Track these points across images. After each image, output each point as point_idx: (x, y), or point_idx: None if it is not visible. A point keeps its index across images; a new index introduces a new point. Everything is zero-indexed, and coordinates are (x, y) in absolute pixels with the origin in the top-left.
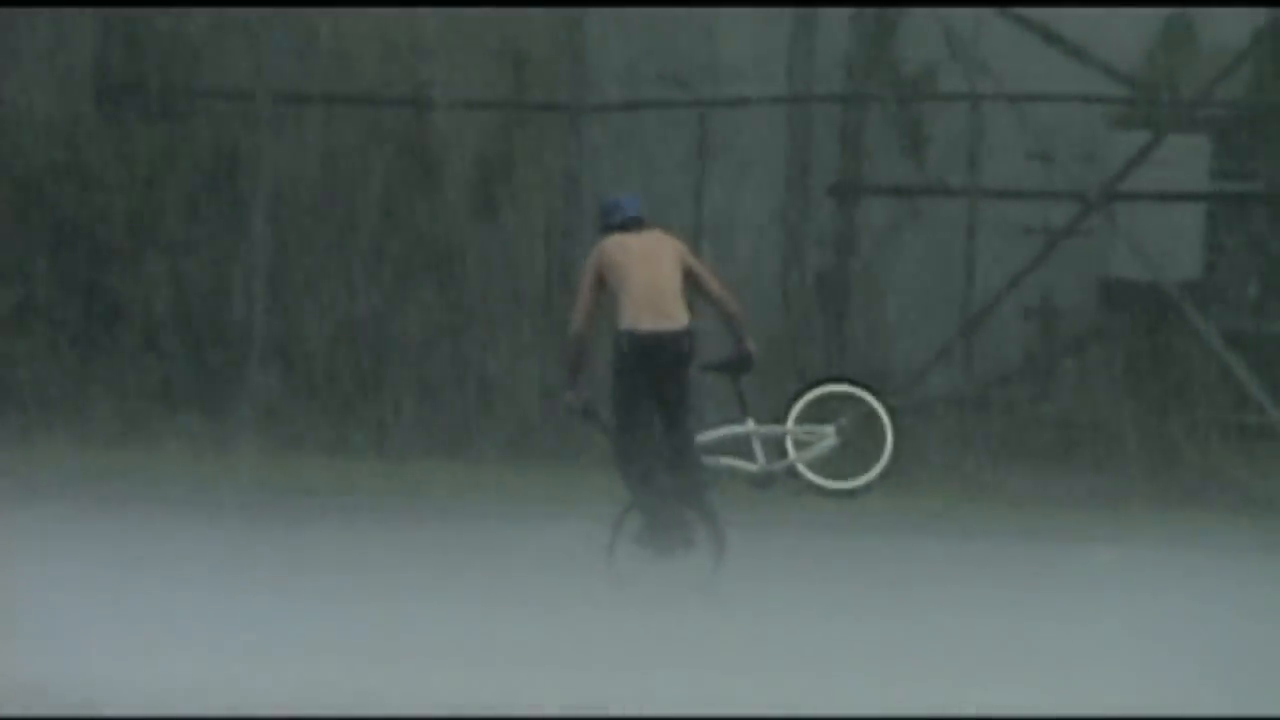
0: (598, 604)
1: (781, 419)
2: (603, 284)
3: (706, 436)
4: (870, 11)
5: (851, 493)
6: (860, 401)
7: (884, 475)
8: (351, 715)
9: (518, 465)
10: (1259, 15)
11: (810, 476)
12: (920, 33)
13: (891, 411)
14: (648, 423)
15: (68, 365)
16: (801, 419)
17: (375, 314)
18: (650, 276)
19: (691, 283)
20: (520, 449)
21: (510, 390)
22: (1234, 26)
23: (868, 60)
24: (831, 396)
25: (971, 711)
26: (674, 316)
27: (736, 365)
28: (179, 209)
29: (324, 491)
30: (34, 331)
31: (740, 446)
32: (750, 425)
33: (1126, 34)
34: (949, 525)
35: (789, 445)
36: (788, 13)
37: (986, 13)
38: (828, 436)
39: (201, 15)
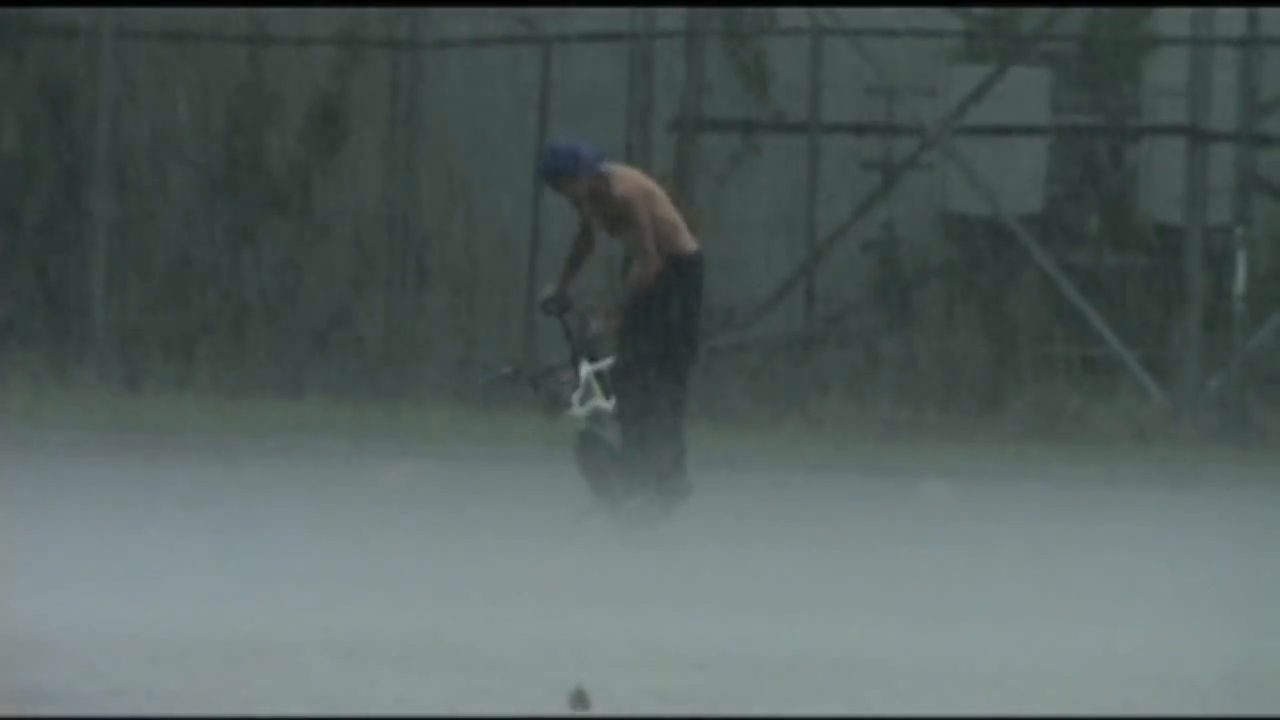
0: (434, 539)
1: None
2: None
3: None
4: None
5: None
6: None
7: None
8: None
9: (358, 402)
10: None
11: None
12: None
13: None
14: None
15: None
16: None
17: (219, 251)
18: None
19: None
20: (361, 386)
21: (353, 327)
22: None
23: None
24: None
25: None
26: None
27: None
28: (17, 144)
29: (165, 429)
30: None
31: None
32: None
33: None
34: (790, 460)
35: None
36: None
37: None
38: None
39: None
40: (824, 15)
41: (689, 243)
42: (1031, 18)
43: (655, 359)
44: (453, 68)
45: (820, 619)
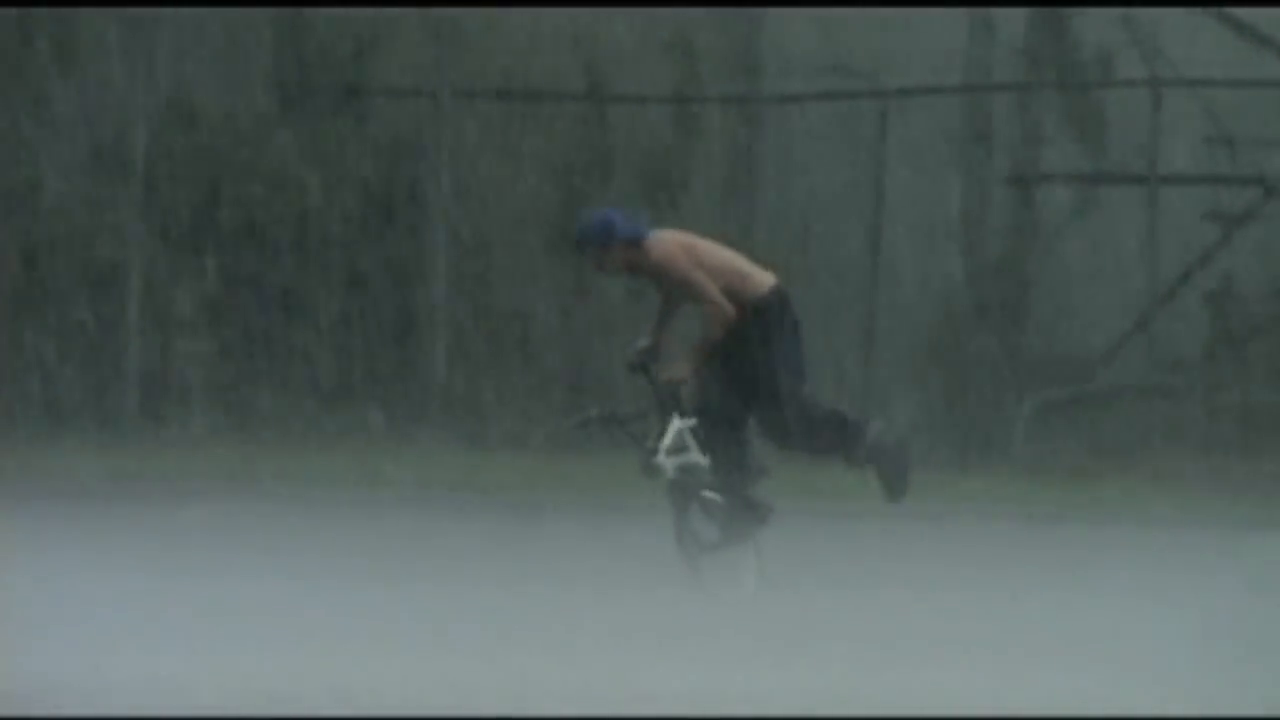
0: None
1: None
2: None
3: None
4: None
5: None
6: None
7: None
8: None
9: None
10: None
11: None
12: (1097, 18)
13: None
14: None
15: (247, 365)
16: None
17: (554, 306)
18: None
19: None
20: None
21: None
22: None
23: (1044, 47)
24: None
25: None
26: None
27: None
28: (358, 205)
29: (504, 487)
30: (215, 331)
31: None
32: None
33: None
34: (1129, 513)
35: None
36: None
37: None
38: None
39: (380, 10)
40: (1163, 65)
41: (761, 283)
42: None
43: (741, 408)
44: (789, 123)
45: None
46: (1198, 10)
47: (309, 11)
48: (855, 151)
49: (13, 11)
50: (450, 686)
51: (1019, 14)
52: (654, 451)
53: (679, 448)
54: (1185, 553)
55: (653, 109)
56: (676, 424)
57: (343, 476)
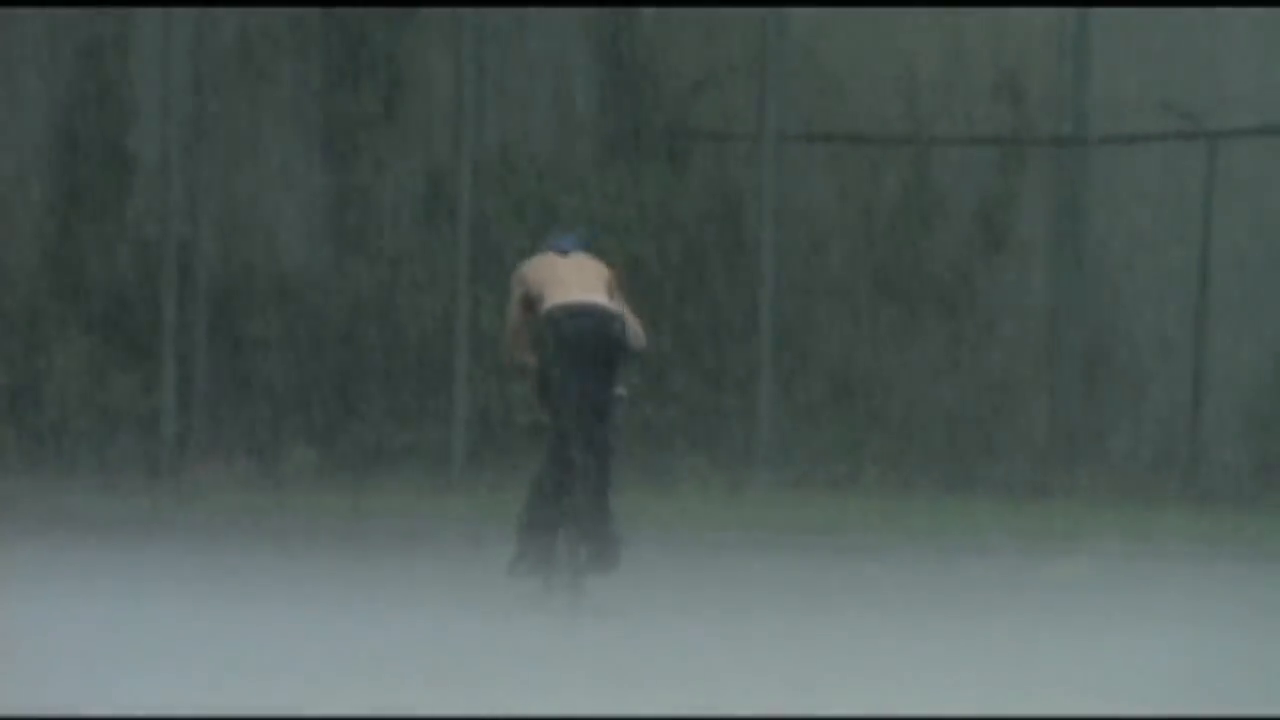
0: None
1: None
2: (529, 304)
3: None
4: None
5: None
6: None
7: None
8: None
9: (1014, 500)
10: None
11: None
12: None
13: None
14: (577, 417)
15: None
16: None
17: (880, 350)
18: (577, 276)
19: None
20: (1009, 483)
21: (1015, 424)
22: None
23: None
24: None
25: None
26: (603, 300)
27: None
28: (683, 249)
29: (831, 529)
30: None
31: None
32: None
33: None
34: None
35: None
36: None
37: None
38: None
39: (702, 55)
40: None
41: (568, 295)
42: None
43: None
44: (1116, 164)
45: None
46: None
47: (633, 57)
48: (1182, 192)
49: (344, 62)
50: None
51: None
52: None
53: None
54: None
55: (978, 151)
56: None
57: (669, 520)
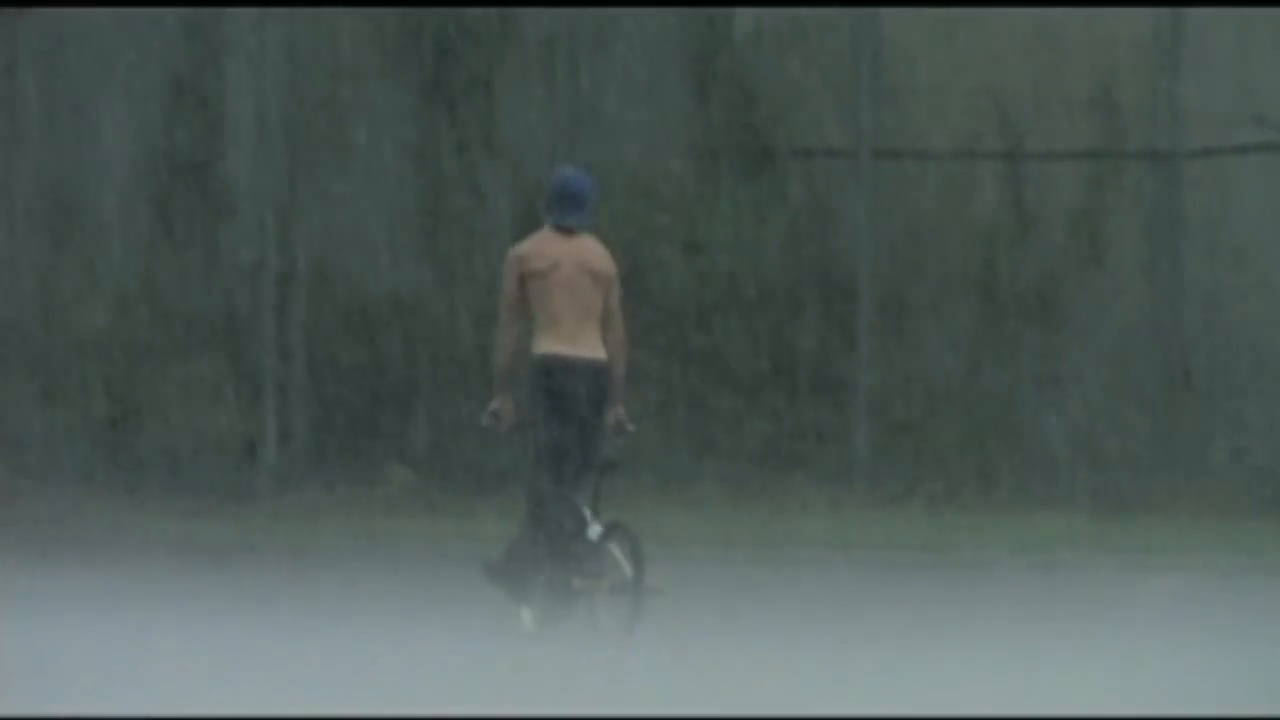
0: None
1: None
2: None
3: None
4: None
5: None
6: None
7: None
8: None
9: (1111, 515)
10: None
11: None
12: None
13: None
14: (556, 476)
15: (674, 428)
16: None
17: (975, 366)
18: (573, 300)
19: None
20: (1107, 498)
21: (1111, 438)
22: None
23: None
24: None
25: None
26: (596, 345)
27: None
28: (778, 267)
29: (934, 547)
30: (644, 395)
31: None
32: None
33: None
34: None
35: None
36: None
37: None
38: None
39: (794, 72)
40: None
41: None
42: None
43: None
44: (1211, 177)
45: None
46: None
47: (726, 75)
48: (1278, 205)
49: (438, 85)
50: None
51: None
52: None
53: None
54: None
55: (1072, 165)
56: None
57: (768, 538)
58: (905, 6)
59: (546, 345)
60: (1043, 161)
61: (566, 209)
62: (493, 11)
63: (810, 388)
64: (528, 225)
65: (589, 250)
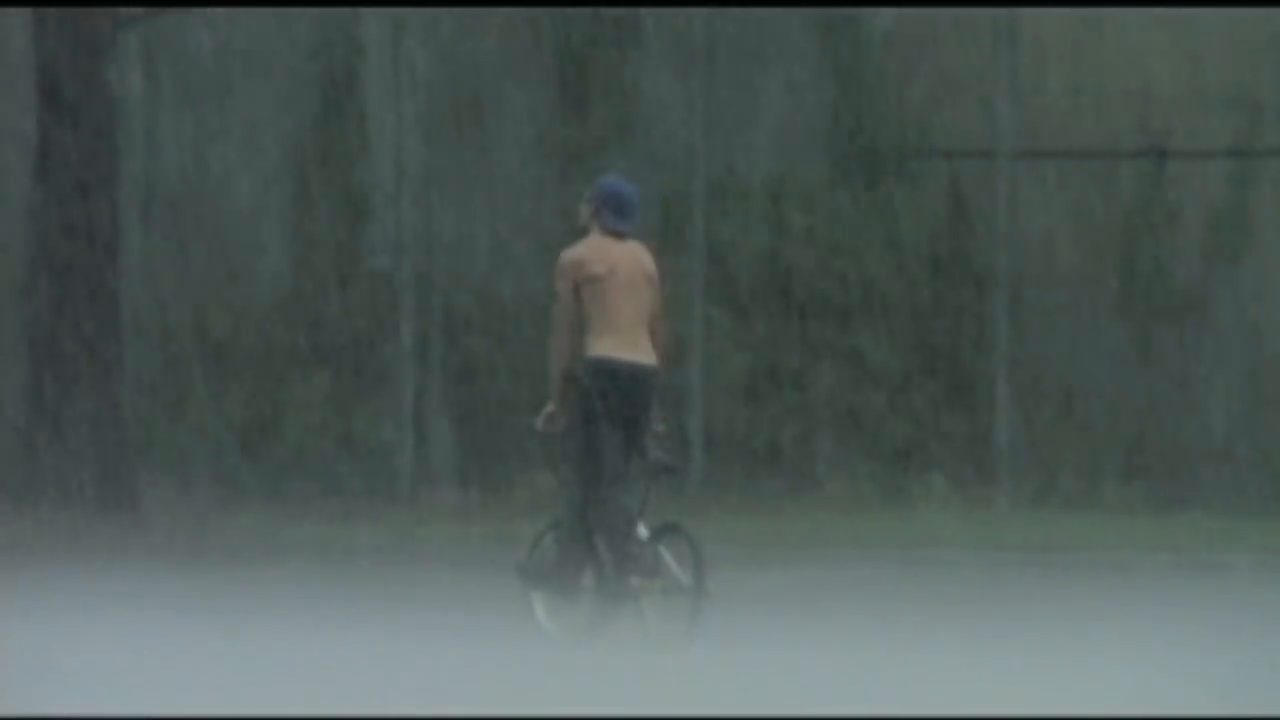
0: None
1: None
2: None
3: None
4: None
5: None
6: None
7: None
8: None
9: (1252, 517)
10: None
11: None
12: None
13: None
14: (595, 483)
15: (816, 429)
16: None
17: (1115, 366)
18: (629, 302)
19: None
20: (1248, 498)
21: (1253, 439)
22: None
23: None
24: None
25: None
26: (648, 349)
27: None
28: (918, 268)
29: (1075, 547)
30: (768, 397)
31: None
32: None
33: None
34: None
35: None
36: None
37: None
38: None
39: (932, 72)
40: None
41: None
42: None
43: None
44: None
45: None
46: None
47: (863, 75)
48: None
49: (573, 88)
50: None
51: None
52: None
53: None
54: None
55: (1213, 164)
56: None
57: (909, 539)
58: (1044, 6)
59: (603, 348)
60: (1183, 160)
61: (621, 214)
62: (630, 12)
63: (950, 389)
64: (665, 228)
65: (641, 254)
